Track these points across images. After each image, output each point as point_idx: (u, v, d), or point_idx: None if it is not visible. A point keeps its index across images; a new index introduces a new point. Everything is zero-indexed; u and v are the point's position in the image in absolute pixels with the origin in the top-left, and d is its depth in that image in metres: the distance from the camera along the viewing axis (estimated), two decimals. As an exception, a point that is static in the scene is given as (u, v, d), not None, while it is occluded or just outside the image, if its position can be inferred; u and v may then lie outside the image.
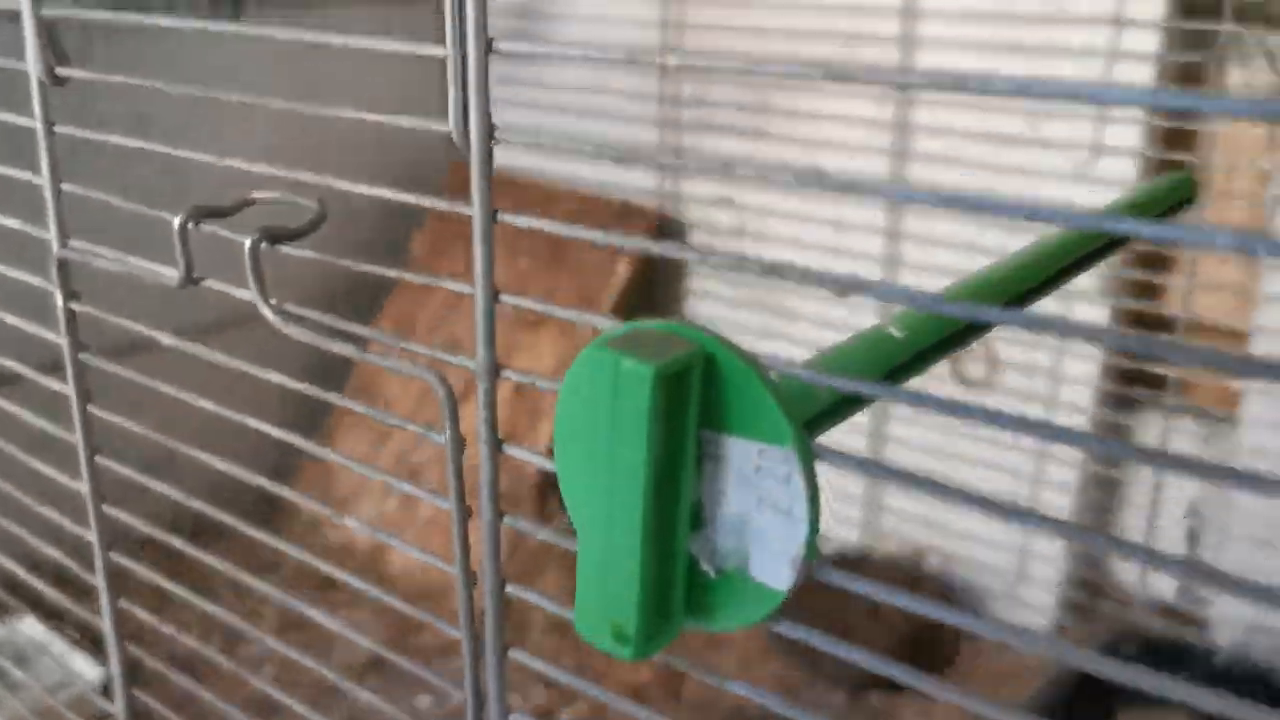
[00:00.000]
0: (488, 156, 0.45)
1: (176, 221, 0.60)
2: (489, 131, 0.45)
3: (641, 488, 0.39)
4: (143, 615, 0.74)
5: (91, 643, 1.43)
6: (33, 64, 0.66)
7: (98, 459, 0.72)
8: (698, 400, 0.41)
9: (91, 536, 0.74)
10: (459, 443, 0.51)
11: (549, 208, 1.75)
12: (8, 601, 0.94)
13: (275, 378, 0.60)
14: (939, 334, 0.56)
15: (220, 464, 0.65)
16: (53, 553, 0.78)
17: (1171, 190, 0.83)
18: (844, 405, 0.47)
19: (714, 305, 1.71)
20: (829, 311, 1.57)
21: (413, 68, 1.85)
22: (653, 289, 1.75)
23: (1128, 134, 1.29)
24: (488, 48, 0.43)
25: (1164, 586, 1.44)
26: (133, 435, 0.68)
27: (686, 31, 1.62)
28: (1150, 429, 1.39)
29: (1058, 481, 1.42)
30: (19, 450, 0.78)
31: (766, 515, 0.41)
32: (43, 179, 0.69)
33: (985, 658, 1.46)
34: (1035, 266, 0.63)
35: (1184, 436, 1.39)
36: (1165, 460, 0.33)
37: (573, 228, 0.45)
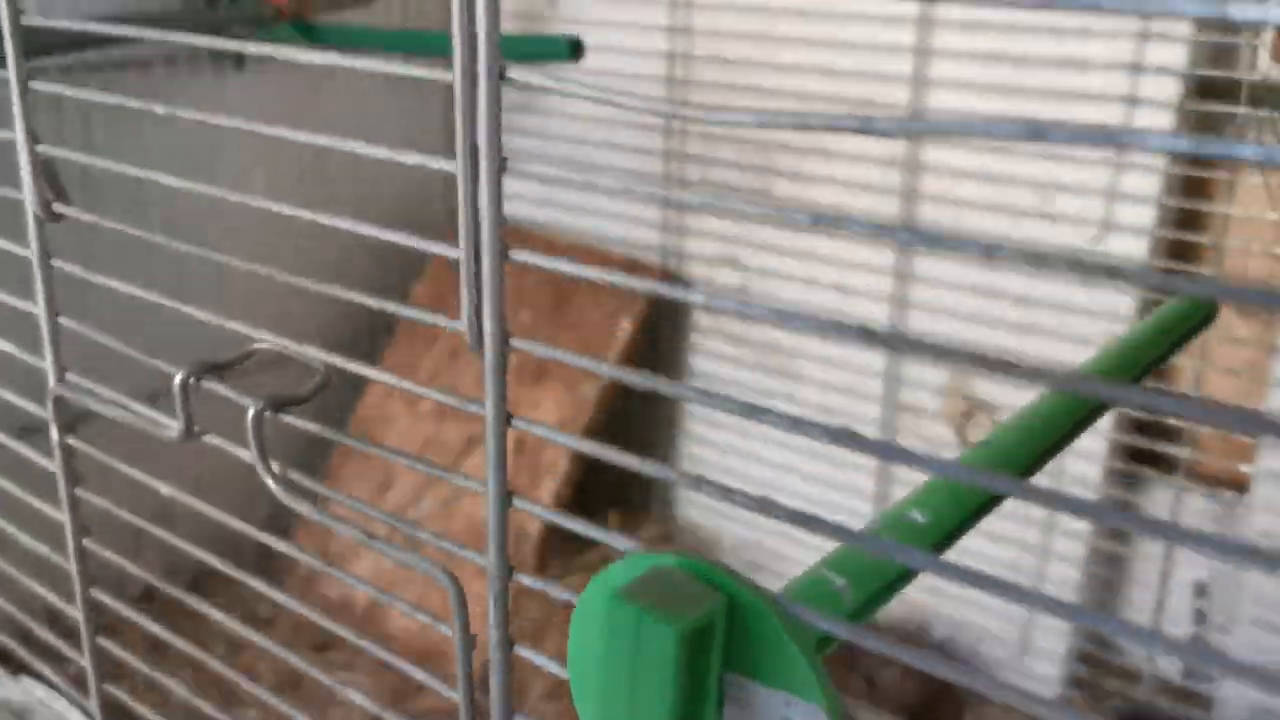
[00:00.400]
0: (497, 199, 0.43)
1: (178, 379, 0.58)
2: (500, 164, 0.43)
3: (663, 739, 0.38)
4: (136, 665, 0.72)
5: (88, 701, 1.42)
6: (29, 199, 0.65)
7: (86, 538, 0.70)
8: (721, 645, 0.39)
9: (75, 590, 0.73)
10: (469, 641, 0.49)
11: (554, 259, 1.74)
12: (17, 658, 0.93)
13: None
14: (962, 514, 0.55)
15: (218, 515, 0.63)
16: (52, 598, 0.77)
17: (1191, 311, 0.82)
18: (875, 601, 0.47)
19: (717, 364, 1.70)
20: (832, 375, 1.55)
21: (412, 119, 1.83)
22: (656, 347, 1.74)
23: (1140, 213, 1.28)
24: (501, 75, 0.41)
25: (1171, 665, 1.43)
26: (126, 489, 0.67)
27: (693, 64, 1.61)
28: (1158, 507, 1.37)
29: (1065, 554, 1.41)
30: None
31: (792, 768, 0.39)
32: (39, 310, 0.68)
33: (989, 729, 1.44)
34: (1051, 424, 0.62)
35: (1192, 515, 1.37)
36: (1172, 533, 0.32)
37: (582, 268, 0.44)
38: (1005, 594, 0.35)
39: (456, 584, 0.48)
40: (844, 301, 1.52)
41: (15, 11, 0.60)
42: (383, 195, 1.81)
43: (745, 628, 0.39)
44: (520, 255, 0.42)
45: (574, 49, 1.18)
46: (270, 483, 0.55)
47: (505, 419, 0.45)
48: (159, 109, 0.58)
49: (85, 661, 0.73)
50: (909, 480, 1.50)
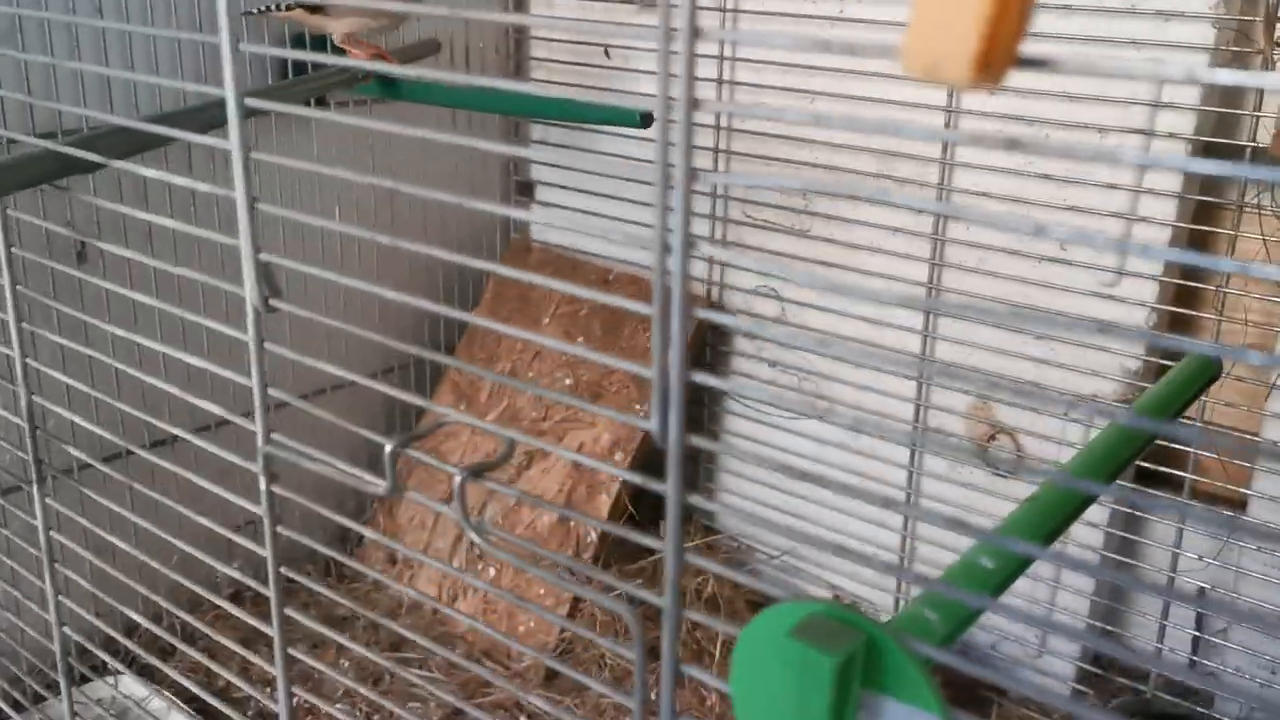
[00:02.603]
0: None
1: (388, 449, 0.73)
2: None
3: (822, 744, 0.52)
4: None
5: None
6: (250, 294, 0.79)
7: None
8: (860, 669, 0.54)
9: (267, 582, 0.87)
10: (644, 660, 0.64)
11: (602, 289, 1.88)
12: (107, 661, 1.09)
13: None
14: (1018, 561, 0.69)
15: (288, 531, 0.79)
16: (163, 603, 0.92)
17: (1198, 373, 0.97)
18: (959, 630, 0.62)
19: (758, 386, 1.84)
20: (864, 398, 1.70)
21: (474, 157, 1.98)
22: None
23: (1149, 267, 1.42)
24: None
25: (1176, 662, 1.58)
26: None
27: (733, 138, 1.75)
28: (1166, 519, 1.52)
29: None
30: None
31: (912, 760, 0.54)
32: (254, 384, 0.82)
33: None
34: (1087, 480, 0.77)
35: (1196, 529, 1.52)
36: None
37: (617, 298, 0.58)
38: (1051, 628, 0.49)
39: (637, 615, 0.63)
40: (874, 332, 1.66)
41: (247, 151, 0.74)
42: (448, 225, 1.96)
43: (878, 656, 0.54)
44: (701, 379, 0.57)
45: (645, 120, 1.33)
46: (473, 535, 0.69)
47: (684, 496, 0.59)
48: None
49: (274, 632, 0.88)
50: (934, 493, 1.65)
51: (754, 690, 0.57)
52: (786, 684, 0.53)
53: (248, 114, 0.75)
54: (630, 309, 0.60)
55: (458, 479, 0.70)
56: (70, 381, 1.06)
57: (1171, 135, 1.36)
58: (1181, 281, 1.43)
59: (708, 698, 1.63)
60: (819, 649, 0.52)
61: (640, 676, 0.64)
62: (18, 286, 1.06)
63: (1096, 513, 1.54)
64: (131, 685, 1.62)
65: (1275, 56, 1.26)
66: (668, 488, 0.61)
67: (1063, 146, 0.44)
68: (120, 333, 0.97)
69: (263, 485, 0.83)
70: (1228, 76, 0.40)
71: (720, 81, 1.75)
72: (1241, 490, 1.43)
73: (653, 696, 0.64)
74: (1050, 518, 0.72)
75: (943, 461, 1.66)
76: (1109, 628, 1.61)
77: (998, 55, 0.40)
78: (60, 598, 1.14)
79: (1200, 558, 1.50)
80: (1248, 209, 1.38)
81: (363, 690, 0.85)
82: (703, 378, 0.59)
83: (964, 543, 1.59)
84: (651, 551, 1.89)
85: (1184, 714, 1.48)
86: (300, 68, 1.65)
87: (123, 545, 1.05)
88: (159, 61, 1.53)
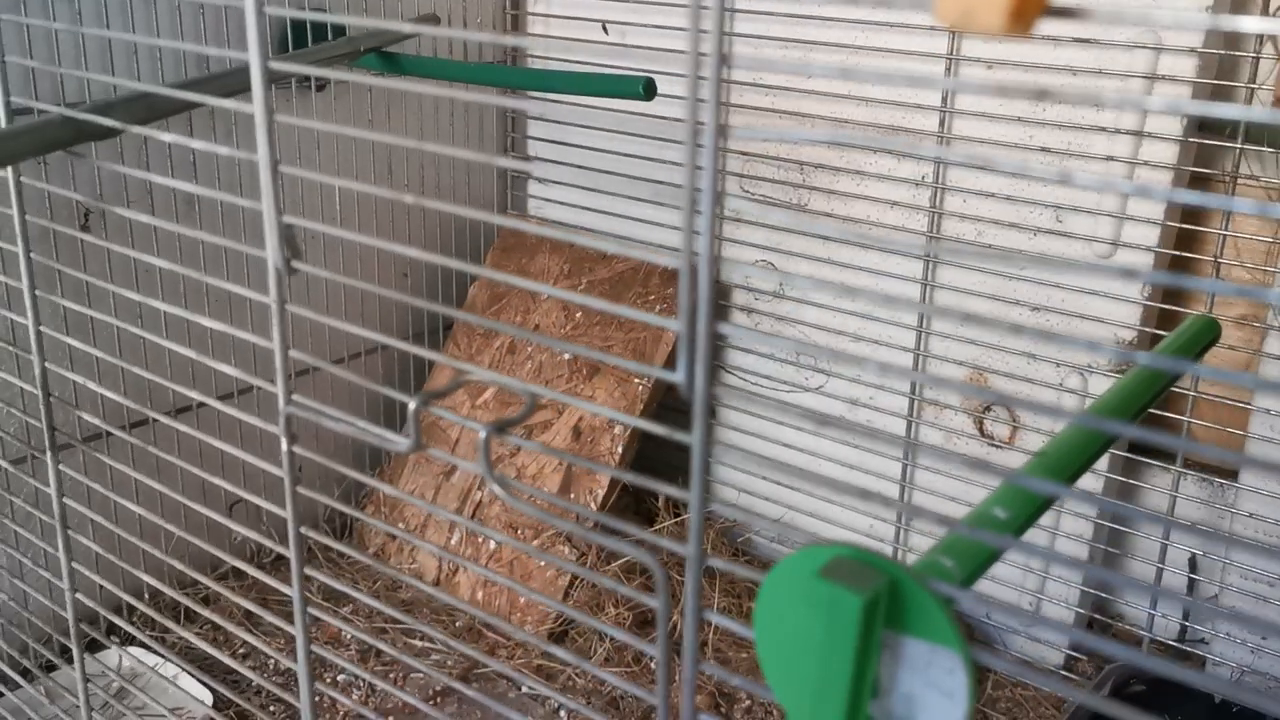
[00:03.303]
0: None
1: (413, 405, 0.74)
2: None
3: (848, 681, 0.54)
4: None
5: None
6: (272, 256, 0.80)
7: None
8: (884, 609, 0.56)
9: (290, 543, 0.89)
10: (668, 609, 0.65)
11: (600, 266, 1.89)
12: (120, 626, 1.10)
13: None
14: (1030, 509, 0.71)
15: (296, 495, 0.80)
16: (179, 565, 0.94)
17: (1199, 334, 0.99)
18: (976, 574, 0.63)
19: (756, 360, 1.86)
20: (858, 382, 1.72)
21: (471, 138, 1.99)
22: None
23: (1149, 233, 1.44)
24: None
25: (1168, 629, 1.61)
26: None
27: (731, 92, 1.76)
28: (1159, 490, 1.55)
29: (1073, 532, 1.58)
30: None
31: (933, 696, 0.56)
32: (275, 346, 0.83)
33: (1004, 690, 1.62)
34: (1092, 439, 0.79)
35: (1188, 498, 1.55)
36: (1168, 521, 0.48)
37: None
38: (1074, 568, 0.51)
39: (664, 569, 0.64)
40: (872, 306, 1.68)
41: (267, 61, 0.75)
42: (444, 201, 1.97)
43: (900, 597, 0.55)
44: (727, 329, 0.58)
45: (649, 89, 1.34)
46: (495, 487, 0.71)
47: (708, 443, 0.61)
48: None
49: (294, 591, 0.89)
50: (930, 465, 1.67)
51: (778, 632, 0.59)
52: (813, 624, 0.55)
53: (271, 79, 0.76)
54: (634, 278, 0.61)
55: (483, 433, 0.71)
56: (85, 348, 1.07)
57: (1172, 78, 1.37)
58: (1176, 252, 1.45)
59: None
60: (846, 588, 0.54)
61: (664, 623, 0.65)
62: (31, 254, 1.07)
63: (1090, 481, 1.56)
64: (142, 652, 1.63)
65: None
66: (693, 435, 0.62)
67: (1083, 93, 0.46)
68: (135, 297, 0.98)
69: (284, 446, 0.84)
70: (1253, 24, 0.41)
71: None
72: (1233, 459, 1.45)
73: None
74: (1060, 469, 0.74)
75: (938, 433, 1.68)
76: (1102, 593, 1.64)
77: (1030, 3, 0.41)
78: (74, 564, 1.15)
79: (1193, 525, 1.53)
80: (1241, 181, 1.40)
81: (382, 646, 0.86)
82: (726, 328, 0.61)
83: (961, 511, 1.62)
84: (651, 521, 1.91)
85: (1179, 680, 1.51)
86: (300, 41, 1.66)
87: (138, 510, 1.06)
88: (183, 28, 1.53)
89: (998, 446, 1.64)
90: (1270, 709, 0.57)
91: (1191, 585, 1.57)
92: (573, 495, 1.83)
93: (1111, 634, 1.66)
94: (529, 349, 1.96)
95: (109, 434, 1.08)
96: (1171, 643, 1.61)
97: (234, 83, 1.02)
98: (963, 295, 1.59)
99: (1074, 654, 1.64)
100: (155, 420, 1.01)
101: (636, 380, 1.82)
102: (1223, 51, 1.37)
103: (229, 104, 0.83)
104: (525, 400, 0.72)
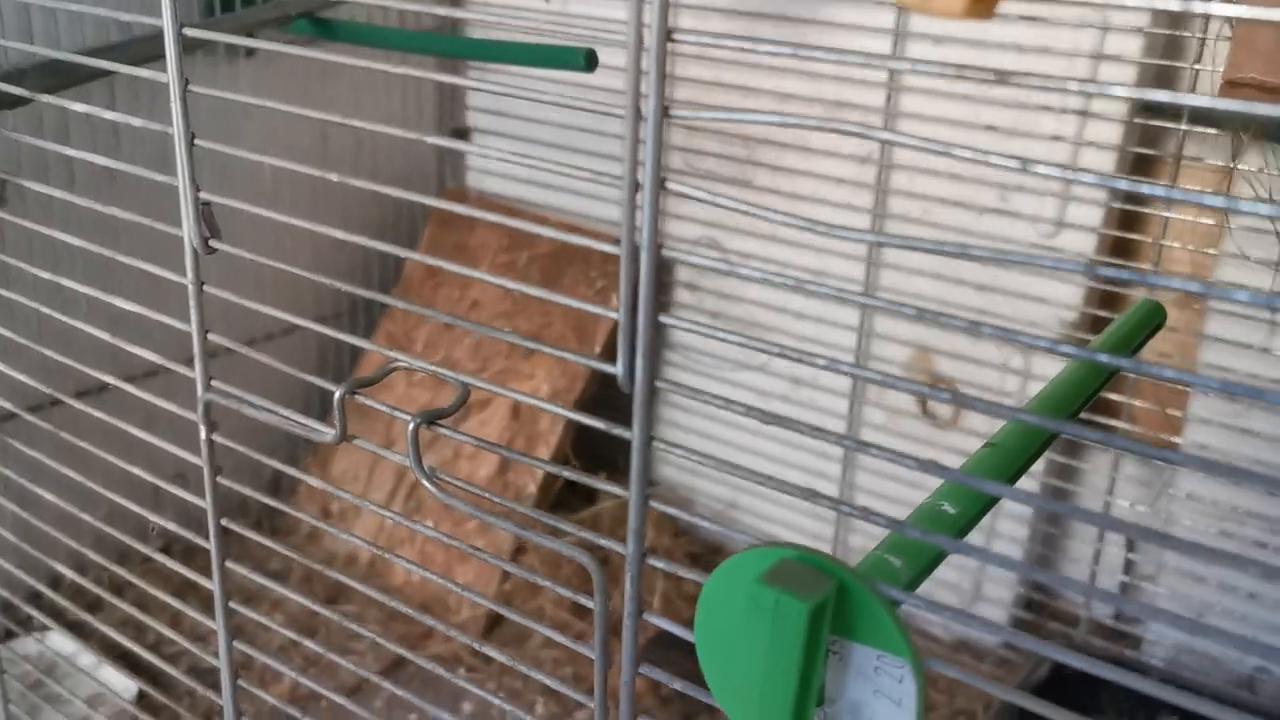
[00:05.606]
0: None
1: (338, 394, 0.70)
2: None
3: (793, 688, 0.52)
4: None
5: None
6: (189, 234, 0.76)
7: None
8: (830, 614, 0.53)
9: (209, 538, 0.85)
10: (605, 610, 0.63)
11: (539, 240, 1.85)
12: (34, 616, 1.06)
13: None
14: (979, 505, 0.69)
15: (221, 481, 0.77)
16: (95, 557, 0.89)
17: (1144, 319, 0.98)
18: (923, 574, 0.61)
19: (699, 339, 1.83)
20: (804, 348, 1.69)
21: (408, 108, 1.93)
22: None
23: (1091, 214, 1.44)
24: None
25: (1104, 609, 1.61)
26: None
27: (676, 85, 1.73)
28: (1099, 470, 1.55)
29: (1013, 513, 1.58)
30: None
31: (881, 703, 0.53)
32: (193, 329, 0.79)
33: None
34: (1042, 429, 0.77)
35: (1128, 477, 1.55)
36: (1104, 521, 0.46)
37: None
38: (1026, 571, 0.49)
39: (599, 565, 0.62)
40: (820, 301, 1.66)
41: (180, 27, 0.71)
42: (380, 176, 1.91)
43: (846, 601, 0.53)
44: (669, 321, 0.55)
45: (589, 60, 1.30)
46: (425, 484, 0.67)
47: (648, 441, 0.58)
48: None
49: (214, 586, 0.85)
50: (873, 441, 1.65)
51: (720, 638, 0.57)
52: (758, 630, 0.52)
53: (186, 46, 0.71)
54: (576, 252, 0.58)
55: (411, 425, 0.67)
56: (-8, 327, 1.01)
57: (1117, 58, 1.36)
58: (1119, 233, 1.44)
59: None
60: (791, 594, 0.51)
61: (601, 625, 0.63)
62: (-67, 227, 1.01)
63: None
64: (59, 640, 1.58)
65: None
66: (633, 432, 0.59)
67: (1041, 79, 0.43)
68: (46, 275, 0.93)
69: (203, 434, 0.80)
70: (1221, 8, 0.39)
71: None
72: (1174, 440, 1.46)
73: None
74: (1009, 462, 0.72)
75: (881, 413, 1.67)
76: (1042, 572, 1.64)
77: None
78: (-15, 551, 1.09)
79: (1131, 505, 1.53)
80: (1185, 162, 1.40)
81: (307, 643, 0.83)
82: (670, 320, 0.58)
83: (905, 491, 1.61)
84: (592, 499, 1.88)
85: (1113, 657, 1.52)
86: (229, 5, 1.59)
87: (49, 496, 1.01)
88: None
89: (940, 428, 1.63)
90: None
91: (1128, 565, 1.58)
92: (512, 474, 1.79)
93: (1049, 612, 1.67)
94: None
95: (16, 415, 1.03)
96: (1108, 623, 1.62)
97: (151, 49, 0.97)
98: (908, 274, 1.58)
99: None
100: (66, 403, 0.96)
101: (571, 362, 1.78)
102: (1169, 31, 1.36)
103: (143, 72, 0.78)
104: (459, 384, 0.68)
